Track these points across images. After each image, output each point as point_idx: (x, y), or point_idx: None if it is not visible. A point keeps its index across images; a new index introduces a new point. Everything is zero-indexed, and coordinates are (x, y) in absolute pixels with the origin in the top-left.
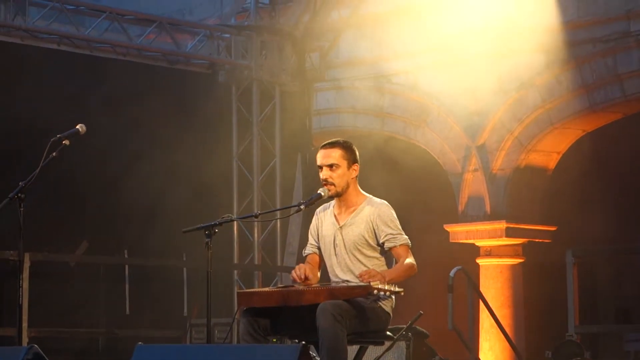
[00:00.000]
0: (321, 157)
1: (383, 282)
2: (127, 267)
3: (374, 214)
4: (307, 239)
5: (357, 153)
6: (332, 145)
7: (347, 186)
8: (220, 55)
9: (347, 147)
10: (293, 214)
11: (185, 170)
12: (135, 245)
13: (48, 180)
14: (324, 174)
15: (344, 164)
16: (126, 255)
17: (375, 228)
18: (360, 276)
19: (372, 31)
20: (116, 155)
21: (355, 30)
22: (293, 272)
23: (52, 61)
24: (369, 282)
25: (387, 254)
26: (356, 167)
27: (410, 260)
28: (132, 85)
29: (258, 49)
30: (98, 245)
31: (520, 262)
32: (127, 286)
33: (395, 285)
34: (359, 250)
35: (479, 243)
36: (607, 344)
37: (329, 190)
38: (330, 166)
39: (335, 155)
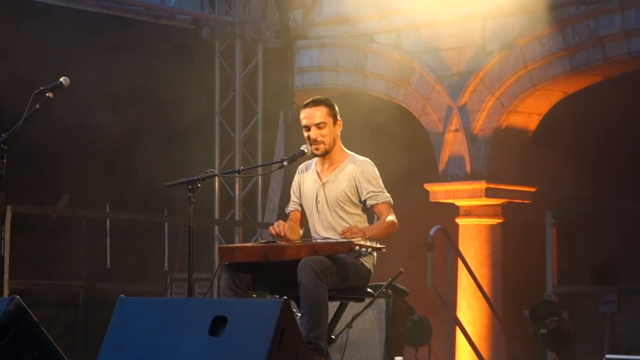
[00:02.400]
0: (307, 116)
1: (364, 239)
2: (108, 220)
3: (356, 171)
4: (288, 196)
5: (337, 109)
6: (315, 103)
7: (334, 143)
8: (204, 10)
9: (330, 105)
10: (276, 170)
11: (167, 125)
12: (117, 199)
13: (31, 132)
14: (313, 133)
15: (329, 121)
16: (108, 209)
17: (358, 185)
18: (342, 233)
19: None
20: (98, 108)
21: None
22: (271, 227)
23: (35, 12)
24: (351, 239)
25: (369, 212)
26: (340, 122)
27: (391, 217)
28: (115, 39)
29: (242, 5)
30: (79, 198)
31: (500, 223)
32: (108, 240)
33: (376, 242)
34: (341, 207)
35: (458, 203)
36: (584, 304)
37: (318, 149)
38: (318, 125)
39: (321, 113)
